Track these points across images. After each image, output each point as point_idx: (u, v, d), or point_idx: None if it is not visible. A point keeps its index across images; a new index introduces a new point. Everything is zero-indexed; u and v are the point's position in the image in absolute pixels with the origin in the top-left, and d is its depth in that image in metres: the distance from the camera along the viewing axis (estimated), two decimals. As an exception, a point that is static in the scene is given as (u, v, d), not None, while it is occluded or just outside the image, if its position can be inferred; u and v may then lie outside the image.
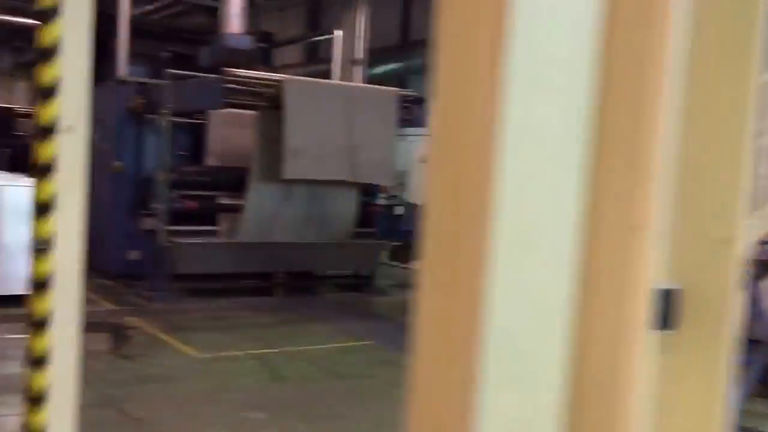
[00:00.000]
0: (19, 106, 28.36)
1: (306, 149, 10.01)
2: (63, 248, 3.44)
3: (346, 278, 12.08)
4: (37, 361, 3.51)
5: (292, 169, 9.99)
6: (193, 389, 6.66)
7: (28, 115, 25.04)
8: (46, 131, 3.42)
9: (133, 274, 11.35)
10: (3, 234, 9.13)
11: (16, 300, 9.20)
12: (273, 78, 10.20)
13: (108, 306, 9.86)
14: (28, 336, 3.54)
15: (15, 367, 6.94)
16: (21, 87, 38.57)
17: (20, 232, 9.21)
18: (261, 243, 10.63)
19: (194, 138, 11.65)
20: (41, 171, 3.43)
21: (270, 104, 10.23)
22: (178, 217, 10.32)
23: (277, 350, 8.07)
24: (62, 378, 3.56)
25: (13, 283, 9.19)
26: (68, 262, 3.46)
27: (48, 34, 3.39)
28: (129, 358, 7.42)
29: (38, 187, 3.45)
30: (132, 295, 10.59)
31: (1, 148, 19.12)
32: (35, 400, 3.57)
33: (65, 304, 3.49)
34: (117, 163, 11.47)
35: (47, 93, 3.41)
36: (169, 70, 10.30)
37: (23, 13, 27.09)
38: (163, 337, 8.34)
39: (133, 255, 11.42)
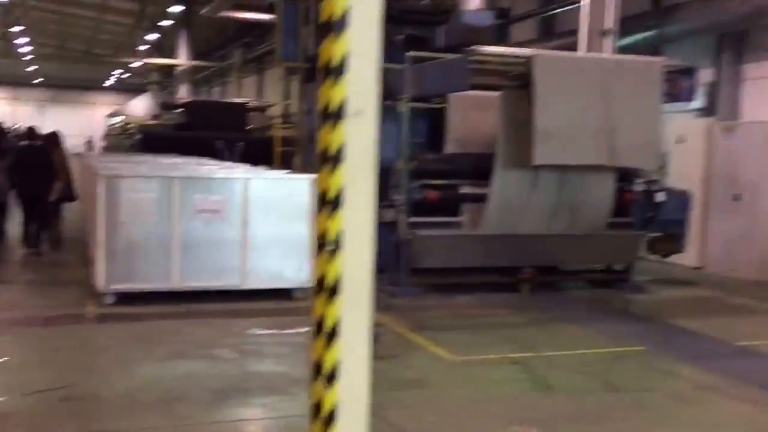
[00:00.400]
0: (249, 101, 29.64)
1: (558, 131, 9.14)
2: (352, 247, 2.86)
3: (598, 273, 11.08)
4: (326, 375, 2.94)
5: (542, 153, 9.16)
6: (453, 397, 6.04)
7: (258, 109, 26.12)
8: (332, 116, 2.84)
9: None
10: (249, 228, 9.00)
11: (263, 294, 9.11)
12: (521, 54, 9.41)
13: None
14: (314, 344, 3.00)
15: (270, 365, 6.67)
16: (250, 82, 40.43)
17: (265, 226, 9.10)
18: (506, 235, 9.90)
19: (432, 124, 11.11)
20: (327, 161, 2.86)
21: (517, 83, 9.47)
22: (419, 208, 9.80)
23: (535, 354, 7.30)
24: (353, 393, 2.98)
25: (260, 278, 9.09)
26: (358, 263, 2.89)
27: (334, 5, 2.82)
28: (381, 359, 6.90)
29: (323, 179, 2.88)
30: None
31: (235, 142, 19.77)
32: (324, 417, 3.01)
33: (355, 312, 2.92)
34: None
35: (333, 72, 2.83)
36: (410, 53, 9.77)
37: (252, 9, 28.19)
38: (412, 336, 7.82)
39: (371, 247, 11.08)
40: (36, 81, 59.38)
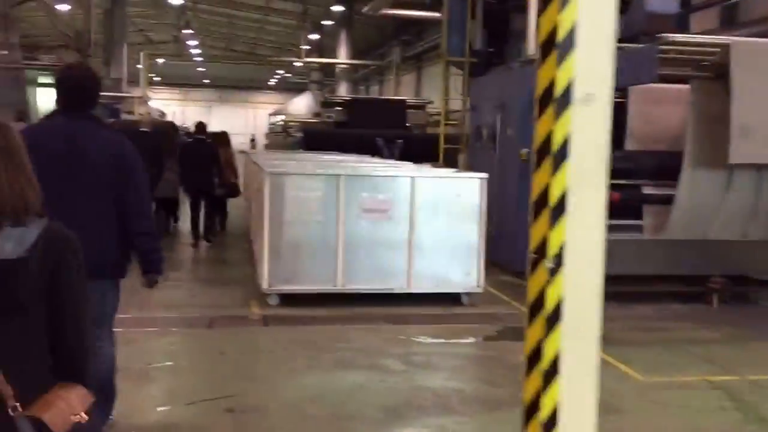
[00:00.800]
0: (408, 98, 29.44)
1: (759, 127, 8.14)
2: (578, 265, 2.29)
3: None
4: (542, 421, 2.39)
5: (739, 151, 8.19)
6: (654, 428, 5.34)
7: (417, 107, 25.86)
8: (555, 102, 2.28)
9: (540, 271, 10.39)
10: (416, 228, 8.57)
11: (429, 298, 8.66)
12: (715, 42, 8.49)
13: (520, 308, 8.92)
14: (526, 380, 2.45)
15: (442, 380, 6.15)
16: (408, 79, 40.33)
17: (433, 227, 8.64)
18: (694, 241, 9.00)
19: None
20: (547, 156, 2.30)
21: (710, 74, 8.55)
22: (597, 209, 9.05)
23: (739, 378, 6.43)
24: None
25: (426, 281, 8.66)
26: (586, 284, 2.31)
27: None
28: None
29: (540, 179, 2.32)
30: (543, 295, 9.57)
31: (394, 140, 19.50)
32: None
33: (580, 344, 2.34)
34: (523, 151, 10.57)
35: (558, 47, 2.28)
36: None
37: (412, 6, 27.94)
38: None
39: (541, 251, 10.45)
40: (204, 82, 61.97)
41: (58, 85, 4.11)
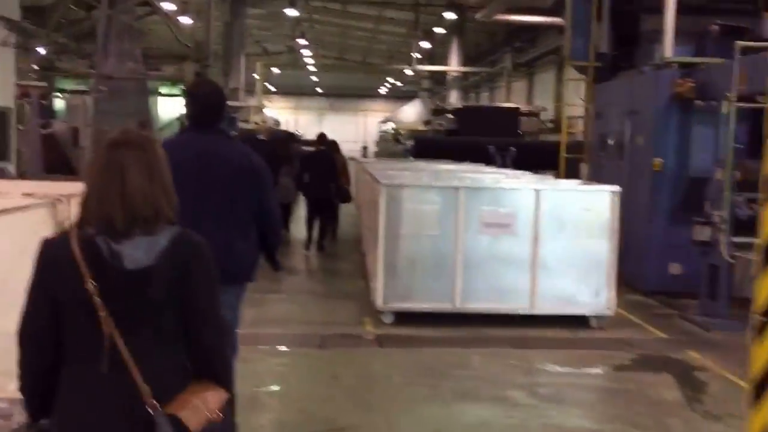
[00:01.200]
0: (519, 106, 28.65)
1: None
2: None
3: None
4: None
5: None
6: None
7: (529, 114, 25.14)
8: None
9: (673, 291, 9.60)
10: (540, 245, 7.95)
11: (553, 320, 8.02)
12: None
13: (654, 333, 8.17)
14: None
15: (575, 417, 5.52)
16: (519, 86, 39.46)
17: (558, 243, 8.00)
18: None
19: (754, 127, 9.40)
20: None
21: None
22: (743, 226, 8.18)
23: None
24: None
25: (551, 302, 8.03)
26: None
27: None
28: (714, 418, 5.58)
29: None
30: (678, 318, 8.77)
31: (507, 148, 18.88)
32: None
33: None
34: (656, 160, 9.80)
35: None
36: (739, 42, 8.24)
37: (525, 12, 27.15)
38: (744, 384, 6.34)
39: (675, 269, 9.65)
40: (316, 90, 62.64)
41: (189, 102, 4.22)
